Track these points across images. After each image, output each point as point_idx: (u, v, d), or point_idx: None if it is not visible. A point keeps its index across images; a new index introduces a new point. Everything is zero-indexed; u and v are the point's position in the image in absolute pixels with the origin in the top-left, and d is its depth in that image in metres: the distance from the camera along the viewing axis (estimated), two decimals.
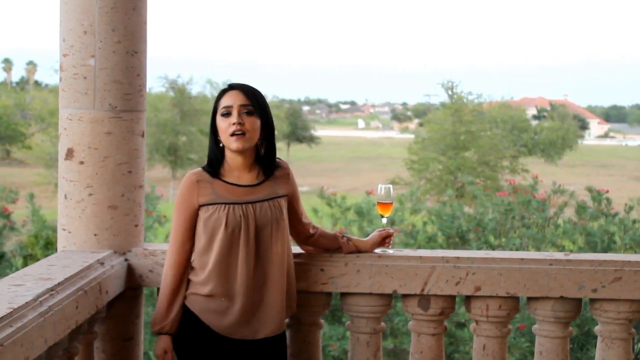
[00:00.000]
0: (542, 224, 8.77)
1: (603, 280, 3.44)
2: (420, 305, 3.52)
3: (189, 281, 3.17)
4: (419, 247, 8.35)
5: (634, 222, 8.44)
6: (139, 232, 3.53)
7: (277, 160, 3.22)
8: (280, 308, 3.16)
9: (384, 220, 3.54)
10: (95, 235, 3.41)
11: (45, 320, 2.58)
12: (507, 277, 3.45)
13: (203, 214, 3.09)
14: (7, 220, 8.75)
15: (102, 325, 3.42)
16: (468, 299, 3.56)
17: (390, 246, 3.54)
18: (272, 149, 3.18)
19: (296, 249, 3.45)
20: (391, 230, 3.55)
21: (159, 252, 3.47)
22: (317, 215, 9.93)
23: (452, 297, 3.53)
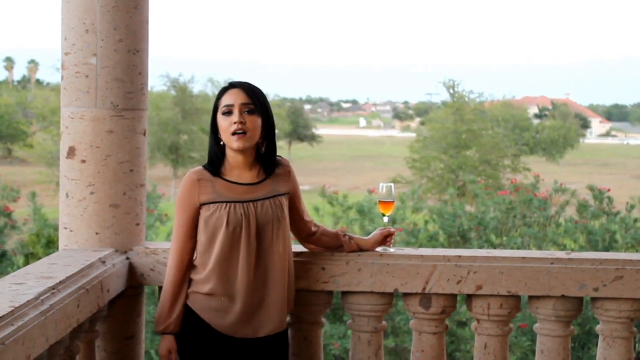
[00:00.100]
0: (544, 223, 8.76)
1: (605, 279, 3.44)
2: (421, 304, 3.52)
3: (190, 280, 3.17)
4: (421, 246, 8.35)
5: (636, 220, 8.43)
6: (140, 231, 3.53)
7: (278, 158, 3.22)
8: (281, 306, 3.17)
9: (386, 219, 3.54)
10: (97, 234, 3.41)
11: (46, 319, 2.58)
12: (508, 276, 3.45)
13: (204, 212, 3.08)
14: (8, 219, 8.75)
15: (103, 324, 3.42)
16: (469, 298, 3.56)
17: (391, 245, 3.54)
18: (272, 147, 3.18)
19: (297, 248, 3.46)
20: (393, 230, 3.55)
21: (160, 251, 3.47)
22: (318, 214, 9.93)
23: (453, 296, 3.53)
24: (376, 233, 3.53)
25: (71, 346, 2.95)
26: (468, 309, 3.61)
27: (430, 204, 10.21)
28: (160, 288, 3.44)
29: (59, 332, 2.70)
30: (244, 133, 3.04)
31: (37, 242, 8.44)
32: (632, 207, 8.84)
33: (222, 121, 3.07)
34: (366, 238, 3.52)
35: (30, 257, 8.26)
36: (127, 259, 3.45)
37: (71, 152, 3.40)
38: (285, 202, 3.18)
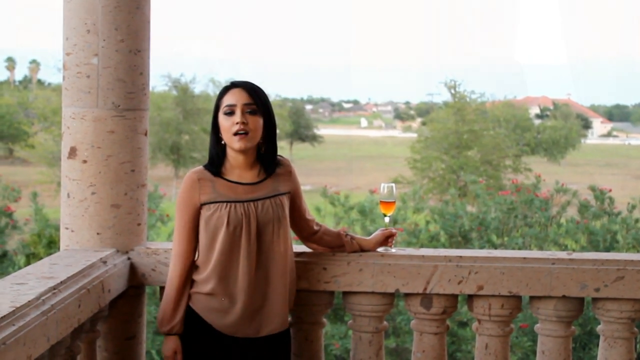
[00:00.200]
0: (545, 223, 8.76)
1: (605, 280, 3.44)
2: (422, 304, 3.52)
3: (192, 280, 3.17)
4: (422, 246, 8.35)
5: (637, 221, 8.43)
6: (141, 231, 3.53)
7: (279, 157, 3.22)
8: (282, 306, 3.16)
9: (387, 219, 3.54)
10: (97, 234, 3.41)
11: (47, 319, 2.58)
12: (509, 276, 3.45)
13: (205, 212, 3.08)
14: (9, 219, 8.76)
15: (104, 324, 3.42)
16: (470, 298, 3.56)
17: (392, 245, 3.54)
18: (273, 146, 3.18)
19: (298, 248, 3.46)
20: (394, 230, 3.55)
21: (161, 250, 3.47)
22: (320, 214, 9.94)
23: (454, 296, 3.53)
24: (377, 233, 3.53)
25: (72, 346, 2.95)
26: (469, 309, 3.61)
27: (431, 204, 10.22)
28: (162, 288, 3.44)
29: (59, 332, 2.70)
30: (246, 133, 3.04)
31: (38, 242, 8.45)
32: (633, 207, 8.84)
33: (223, 121, 3.07)
34: (367, 238, 3.52)
35: (31, 257, 8.26)
36: (128, 258, 3.45)
37: (72, 152, 3.40)
38: (285, 201, 3.18)
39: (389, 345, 7.99)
